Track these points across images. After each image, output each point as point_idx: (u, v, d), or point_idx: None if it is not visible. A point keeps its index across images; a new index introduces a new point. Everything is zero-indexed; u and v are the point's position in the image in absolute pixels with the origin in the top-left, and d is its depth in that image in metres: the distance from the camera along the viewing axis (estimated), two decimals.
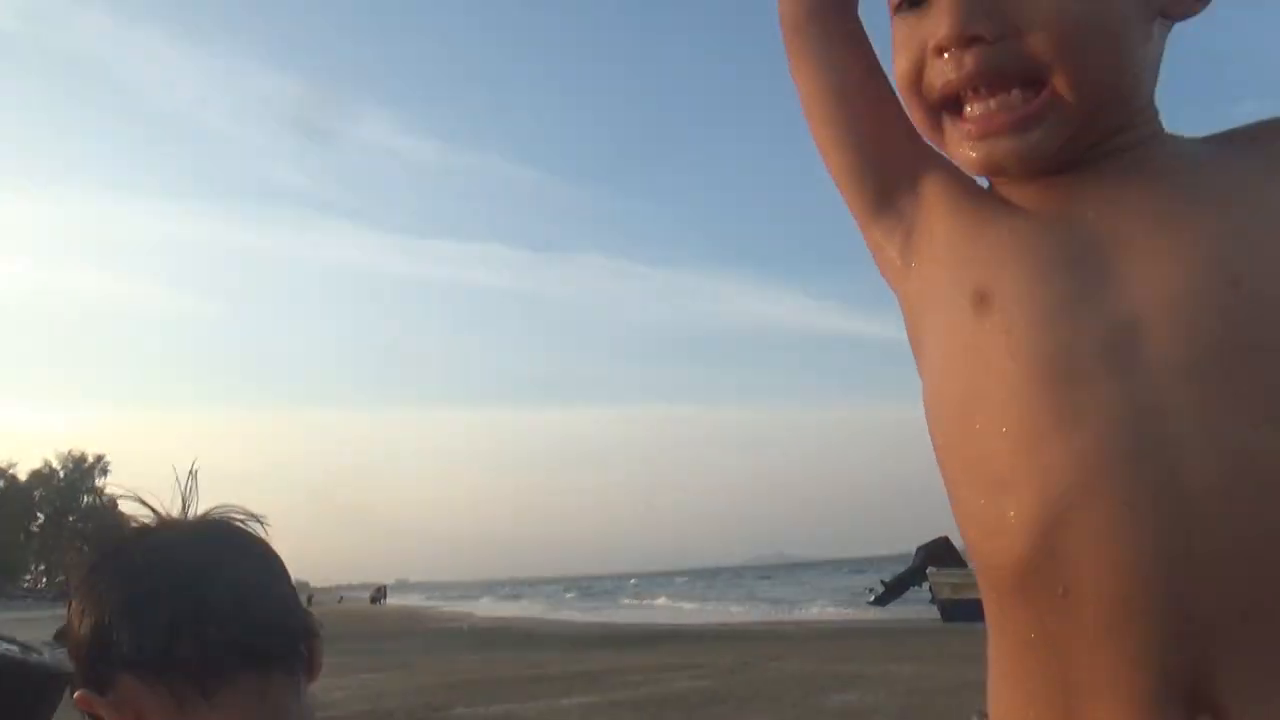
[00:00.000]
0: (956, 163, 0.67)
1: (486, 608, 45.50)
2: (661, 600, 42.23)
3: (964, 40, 0.61)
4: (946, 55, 0.63)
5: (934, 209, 0.68)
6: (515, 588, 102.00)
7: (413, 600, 73.92)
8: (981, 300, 0.62)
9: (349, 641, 16.53)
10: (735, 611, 31.04)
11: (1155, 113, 0.67)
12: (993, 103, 0.62)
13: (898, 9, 0.67)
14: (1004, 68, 0.61)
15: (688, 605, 36.45)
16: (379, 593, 69.52)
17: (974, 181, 0.69)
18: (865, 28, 0.74)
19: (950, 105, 0.65)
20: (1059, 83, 0.60)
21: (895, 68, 0.68)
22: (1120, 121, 0.64)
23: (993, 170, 0.65)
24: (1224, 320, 0.56)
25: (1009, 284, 0.61)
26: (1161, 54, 0.67)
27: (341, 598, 77.77)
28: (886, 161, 0.71)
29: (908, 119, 0.70)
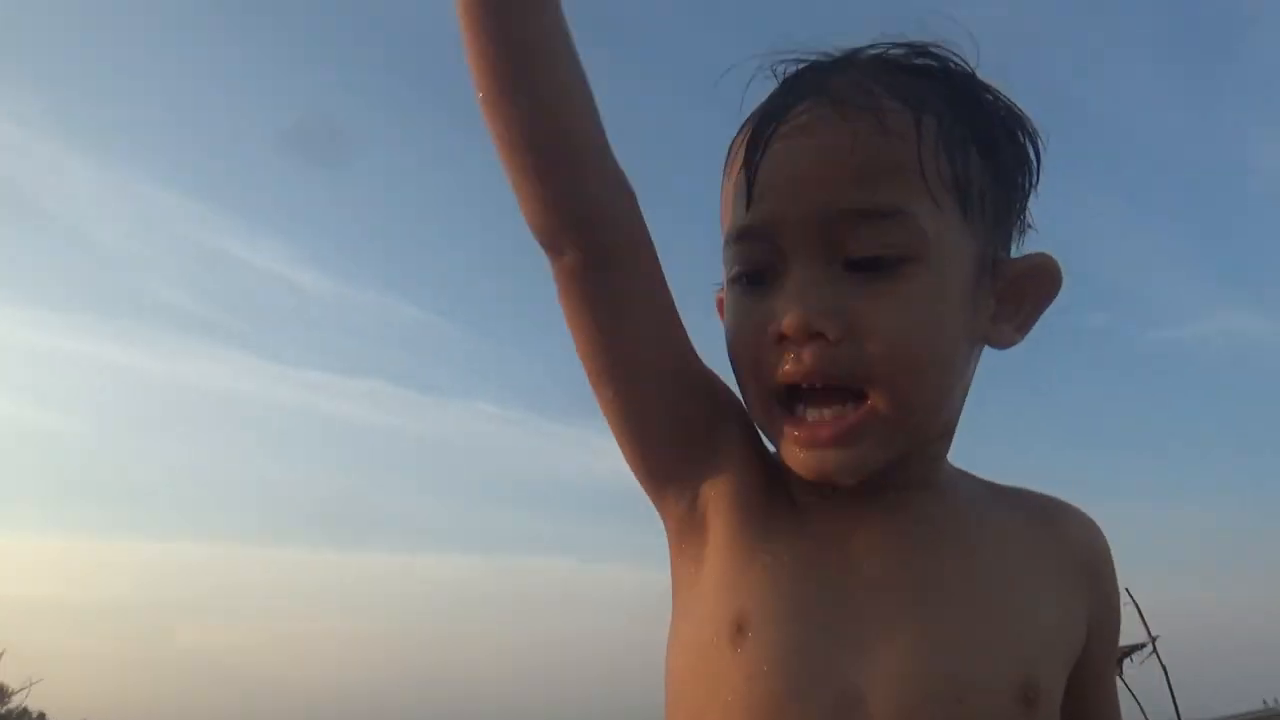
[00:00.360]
0: (785, 461, 0.65)
1: None
2: None
3: (806, 335, 0.61)
4: (785, 345, 0.62)
5: (718, 510, 0.66)
6: None
7: None
8: (739, 629, 0.62)
9: None
10: None
11: (951, 438, 0.70)
12: (827, 412, 0.62)
13: (735, 281, 0.66)
14: (839, 371, 0.61)
15: None
16: None
17: (765, 476, 0.67)
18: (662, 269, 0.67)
19: (783, 397, 0.64)
20: (885, 395, 0.61)
21: (731, 341, 0.67)
22: (929, 437, 0.67)
23: (823, 481, 0.63)
24: None
25: (765, 622, 0.61)
26: (972, 380, 0.69)
27: None
28: (676, 443, 0.67)
29: (704, 385, 0.68)
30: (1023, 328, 0.69)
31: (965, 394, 0.69)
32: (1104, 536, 0.73)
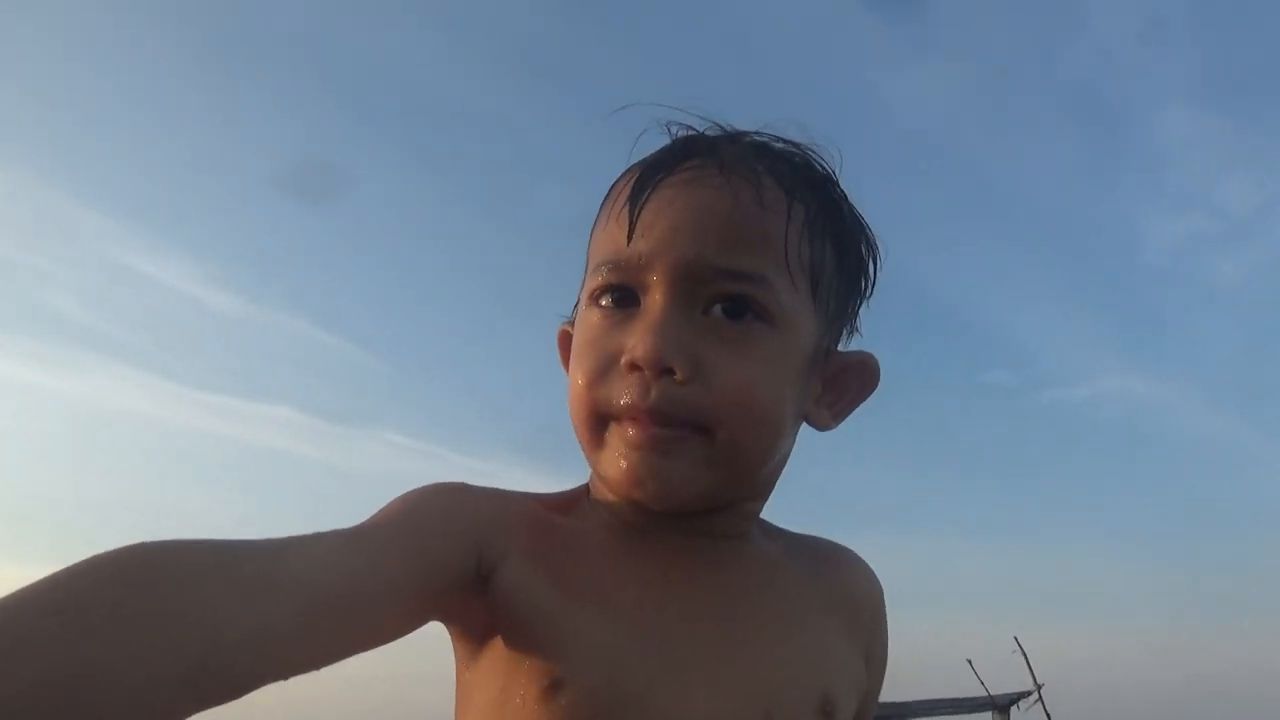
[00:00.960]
0: (601, 473, 0.67)
1: None
2: None
3: (658, 369, 0.62)
4: (634, 375, 0.63)
5: (511, 592, 0.63)
6: None
7: None
8: (551, 686, 0.61)
9: None
10: None
11: (765, 501, 0.74)
12: (659, 431, 0.63)
13: (597, 297, 0.68)
14: (683, 414, 0.63)
15: None
16: None
17: (567, 545, 0.67)
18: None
19: (620, 419, 0.65)
20: (724, 439, 0.64)
21: (580, 356, 0.68)
22: (742, 496, 0.71)
23: (634, 486, 0.64)
24: None
25: (577, 674, 0.61)
26: (790, 452, 0.73)
27: None
28: (452, 600, 0.63)
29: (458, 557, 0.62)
30: (839, 416, 0.74)
31: (784, 464, 0.73)
32: (879, 585, 0.79)
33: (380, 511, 0.63)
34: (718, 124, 0.73)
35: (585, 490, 0.74)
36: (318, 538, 0.55)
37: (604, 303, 0.68)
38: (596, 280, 0.68)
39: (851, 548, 0.81)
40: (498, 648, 0.64)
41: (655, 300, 0.65)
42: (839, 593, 0.75)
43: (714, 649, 0.65)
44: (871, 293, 0.77)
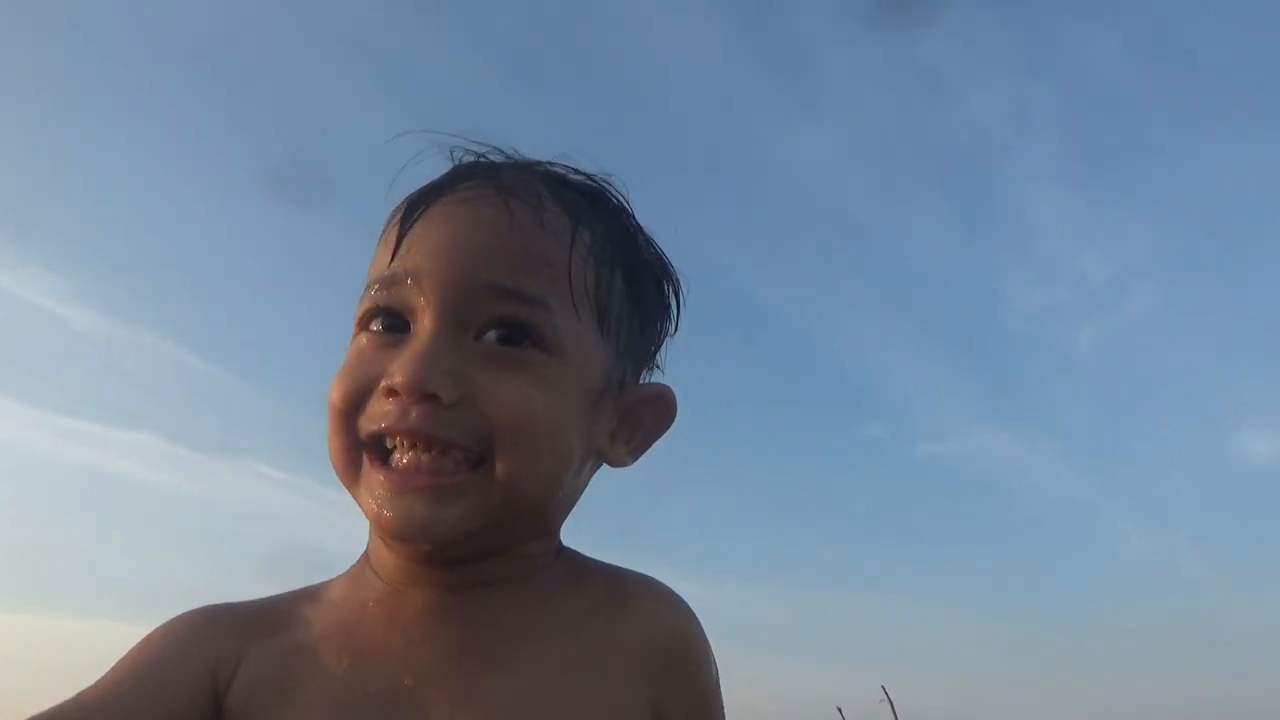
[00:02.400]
0: (365, 513, 0.62)
1: None
2: None
3: (419, 395, 0.58)
4: (393, 400, 0.59)
5: (239, 688, 0.61)
6: None
7: None
8: None
9: None
10: None
11: (555, 544, 0.69)
12: (424, 458, 0.59)
13: (366, 322, 0.64)
14: (449, 436, 0.58)
15: None
16: None
17: (296, 639, 0.64)
18: None
19: (377, 448, 0.61)
20: (499, 467, 0.59)
21: (338, 380, 0.63)
22: (526, 536, 0.65)
23: (403, 537, 0.60)
24: None
25: None
26: (582, 491, 0.69)
27: None
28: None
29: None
30: (635, 451, 0.70)
31: (571, 505, 0.69)
32: (684, 622, 0.69)
33: (120, 661, 0.62)
34: (503, 152, 0.70)
35: (365, 555, 0.69)
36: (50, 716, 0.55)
37: (373, 327, 0.63)
38: (365, 304, 0.64)
39: (676, 589, 0.72)
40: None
41: (424, 325, 0.61)
42: (620, 639, 0.66)
43: (445, 715, 0.60)
44: (675, 330, 0.75)
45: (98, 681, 0.59)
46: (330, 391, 0.63)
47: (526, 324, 0.61)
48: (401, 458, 0.60)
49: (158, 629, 0.64)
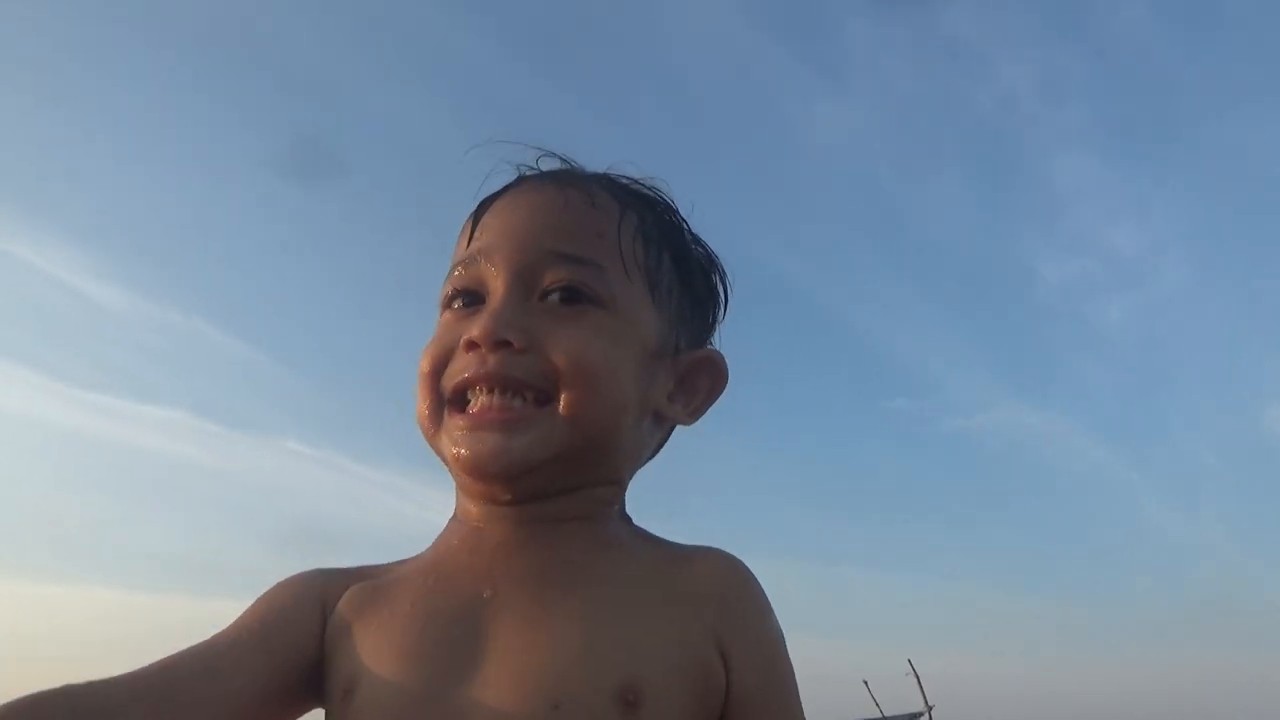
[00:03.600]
0: (443, 458, 0.70)
1: None
2: None
3: (494, 342, 0.66)
4: (472, 352, 0.68)
5: (335, 617, 0.69)
6: None
7: None
8: (346, 693, 0.65)
9: None
10: None
11: (622, 495, 0.75)
12: (497, 399, 0.66)
13: (449, 303, 0.73)
14: (521, 376, 0.66)
15: None
16: None
17: (394, 575, 0.71)
18: None
19: (458, 402, 0.69)
20: (565, 401, 0.66)
21: (425, 351, 0.71)
22: (593, 477, 0.71)
23: (477, 469, 0.67)
24: None
25: (370, 674, 0.65)
26: (647, 448, 0.77)
27: None
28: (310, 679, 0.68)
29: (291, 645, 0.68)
30: (695, 413, 0.77)
31: (637, 459, 0.76)
32: (740, 574, 0.72)
33: (244, 612, 0.70)
34: (562, 158, 0.79)
35: (452, 515, 0.75)
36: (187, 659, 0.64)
37: (455, 305, 0.73)
38: (446, 287, 0.74)
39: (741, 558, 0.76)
40: (325, 673, 0.69)
41: (496, 291, 0.70)
42: (681, 581, 0.70)
43: (512, 637, 0.65)
44: (724, 315, 0.83)
45: (219, 632, 0.67)
46: (420, 362, 0.72)
47: (583, 284, 0.70)
48: (476, 403, 0.68)
49: (275, 584, 0.73)
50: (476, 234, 0.74)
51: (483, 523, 0.71)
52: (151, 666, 0.62)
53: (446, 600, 0.67)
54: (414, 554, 0.75)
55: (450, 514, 0.75)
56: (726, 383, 0.78)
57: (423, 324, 0.76)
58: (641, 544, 0.74)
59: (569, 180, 0.75)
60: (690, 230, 0.80)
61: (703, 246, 0.81)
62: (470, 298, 0.72)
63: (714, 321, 0.82)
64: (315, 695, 0.69)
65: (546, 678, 0.63)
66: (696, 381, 0.77)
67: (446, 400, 0.70)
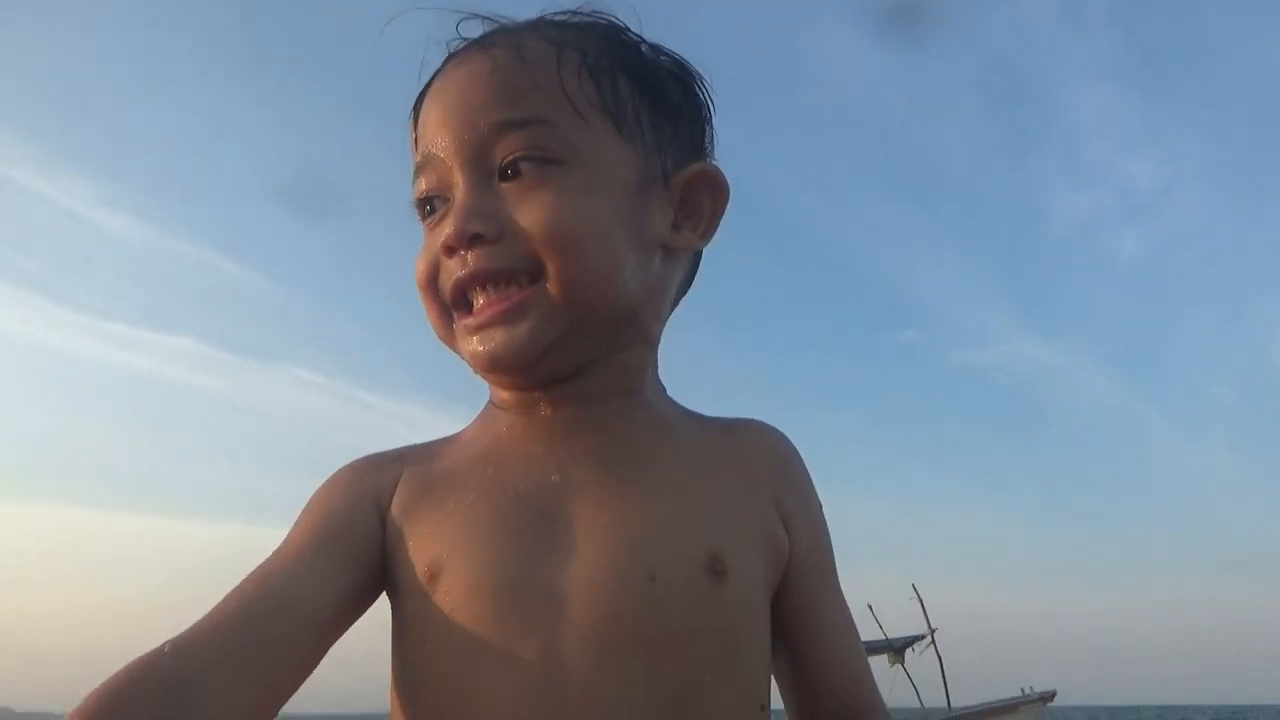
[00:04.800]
0: (467, 362, 0.70)
1: None
2: None
3: (466, 239, 0.66)
4: (454, 257, 0.67)
5: (395, 506, 0.69)
6: None
7: None
8: (432, 577, 0.65)
9: None
10: None
11: (654, 355, 0.75)
12: (491, 294, 0.66)
13: (423, 213, 0.71)
14: (504, 266, 0.66)
15: None
16: None
17: (447, 461, 0.72)
18: None
19: (460, 304, 0.68)
20: (549, 277, 0.65)
21: (416, 268, 0.71)
22: (615, 342, 0.71)
23: (494, 366, 0.68)
24: (633, 608, 0.63)
25: (457, 558, 0.65)
26: (669, 287, 0.74)
27: None
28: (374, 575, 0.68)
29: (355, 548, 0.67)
30: (705, 234, 0.74)
31: (660, 304, 0.74)
32: (789, 445, 0.77)
33: (296, 520, 0.70)
34: (490, 18, 0.73)
35: (488, 401, 0.76)
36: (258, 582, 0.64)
37: (427, 213, 0.71)
38: (413, 199, 0.72)
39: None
40: (398, 554, 0.68)
41: (457, 187, 0.68)
42: (738, 454, 0.73)
43: (595, 514, 0.66)
44: (712, 121, 0.78)
45: (280, 546, 0.68)
46: (415, 277, 0.71)
47: (534, 147, 0.66)
48: (477, 302, 0.68)
49: (322, 485, 0.72)
50: (419, 133, 0.71)
51: (527, 409, 0.71)
52: (228, 609, 0.61)
53: (515, 486, 0.67)
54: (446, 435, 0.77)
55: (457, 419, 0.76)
56: (728, 193, 0.74)
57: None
58: (689, 419, 0.76)
59: (493, 41, 0.70)
60: (647, 45, 0.74)
61: (667, 55, 0.75)
62: (439, 200, 0.70)
63: (703, 132, 0.77)
64: (379, 589, 0.69)
65: (640, 550, 0.64)
66: (698, 201, 0.74)
67: (450, 305, 0.69)
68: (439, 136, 0.69)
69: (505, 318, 0.66)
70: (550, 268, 0.65)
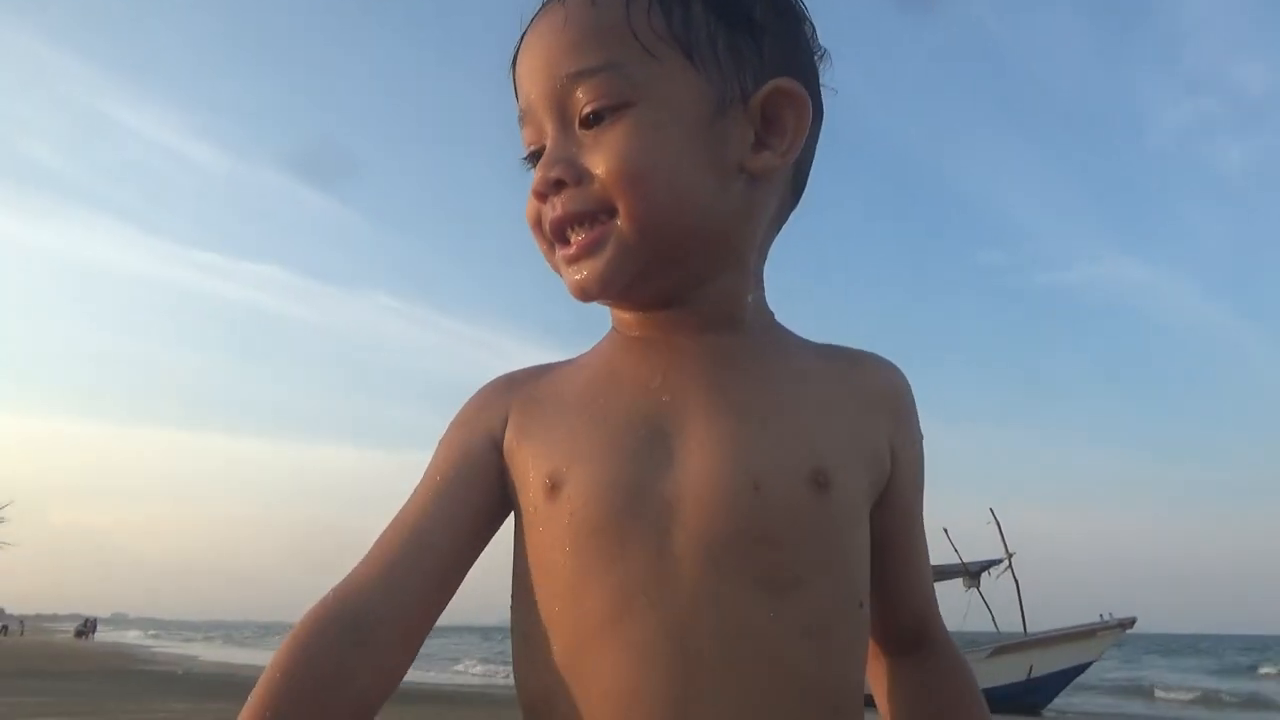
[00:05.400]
0: (569, 288, 0.74)
1: (214, 651, 40.89)
2: (463, 663, 32.53)
3: (550, 185, 0.71)
4: (545, 204, 0.72)
5: (509, 433, 0.75)
6: (257, 631, 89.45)
7: (129, 638, 66.11)
8: (552, 488, 0.70)
9: (36, 680, 14.24)
10: None
11: (757, 280, 0.78)
12: (582, 231, 0.71)
13: (531, 163, 0.75)
14: (583, 208, 0.70)
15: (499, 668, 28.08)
16: (87, 626, 60.57)
17: (557, 384, 0.77)
18: None
19: (561, 240, 0.73)
20: (621, 211, 0.69)
21: (526, 213, 0.76)
22: (706, 269, 0.74)
23: (585, 295, 0.73)
24: (741, 515, 0.67)
25: (574, 470, 0.70)
26: (757, 211, 0.75)
27: (23, 628, 66.35)
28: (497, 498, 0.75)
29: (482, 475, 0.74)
30: (788, 152, 0.74)
31: (748, 225, 0.75)
32: (904, 378, 0.81)
33: (433, 457, 0.78)
34: None
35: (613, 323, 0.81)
36: (403, 531, 0.73)
37: (527, 164, 0.76)
38: (523, 153, 0.77)
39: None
40: (517, 474, 0.74)
41: (548, 137, 0.73)
42: (852, 381, 0.77)
43: (705, 432, 0.70)
44: (801, 23, 0.78)
45: (415, 490, 0.76)
46: (525, 217, 0.76)
47: (606, 94, 0.70)
48: (565, 250, 0.73)
49: (459, 414, 0.80)
50: (517, 90, 0.76)
51: (640, 330, 0.77)
52: (375, 555, 0.71)
53: (629, 406, 0.72)
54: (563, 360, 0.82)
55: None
56: (810, 106, 0.74)
57: (515, 179, 0.79)
58: (805, 346, 0.80)
59: None
60: None
61: None
62: (531, 145, 0.75)
63: (795, 45, 0.77)
64: (504, 513, 0.76)
65: (746, 464, 0.68)
66: (781, 120, 0.74)
67: (553, 241, 0.74)
68: (529, 91, 0.74)
69: (588, 250, 0.71)
70: (620, 206, 0.69)
